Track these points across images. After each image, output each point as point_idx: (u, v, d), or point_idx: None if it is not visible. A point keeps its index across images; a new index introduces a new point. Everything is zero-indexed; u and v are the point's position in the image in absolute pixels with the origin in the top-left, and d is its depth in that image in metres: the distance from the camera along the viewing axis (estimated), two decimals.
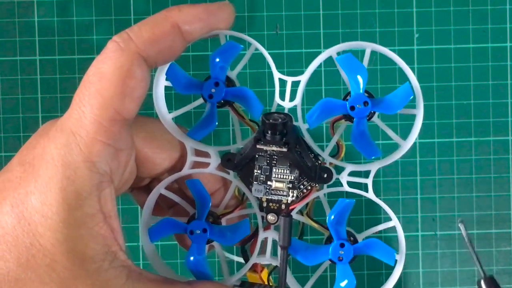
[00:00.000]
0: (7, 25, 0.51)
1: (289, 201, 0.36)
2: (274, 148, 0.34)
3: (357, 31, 0.51)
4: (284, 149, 0.34)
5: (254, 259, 0.36)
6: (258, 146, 0.34)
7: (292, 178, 0.36)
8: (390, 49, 0.33)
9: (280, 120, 0.34)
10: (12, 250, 0.31)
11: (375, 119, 0.35)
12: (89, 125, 0.31)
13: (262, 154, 0.35)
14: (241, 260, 0.37)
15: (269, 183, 0.36)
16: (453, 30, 0.51)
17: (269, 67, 0.35)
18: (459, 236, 0.52)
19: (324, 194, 0.36)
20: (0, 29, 0.51)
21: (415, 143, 0.35)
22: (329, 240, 0.36)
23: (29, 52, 0.51)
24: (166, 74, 0.35)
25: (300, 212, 0.37)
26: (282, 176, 0.36)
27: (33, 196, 0.31)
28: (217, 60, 0.35)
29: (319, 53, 0.34)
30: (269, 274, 0.38)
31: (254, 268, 0.37)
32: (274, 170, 0.36)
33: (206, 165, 0.36)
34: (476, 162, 0.52)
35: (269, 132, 0.34)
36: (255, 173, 0.36)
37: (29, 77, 0.51)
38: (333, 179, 0.35)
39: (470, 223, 0.52)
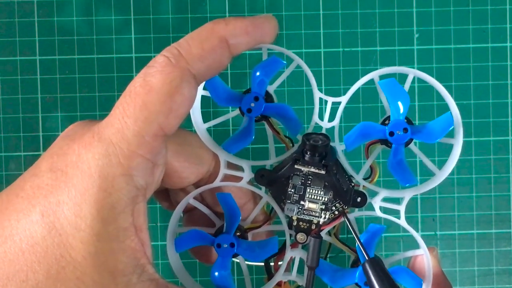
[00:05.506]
0: (7, 25, 0.51)
1: (321, 222, 0.35)
2: (312, 170, 0.34)
3: (357, 31, 0.51)
4: (322, 172, 0.34)
5: (280, 277, 0.36)
6: (296, 166, 0.34)
7: (326, 199, 0.35)
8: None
9: (320, 142, 0.33)
10: (41, 261, 0.30)
11: (411, 145, 0.35)
12: (131, 138, 0.30)
13: (298, 173, 0.35)
14: (261, 264, 0.37)
15: (302, 202, 0.35)
16: (453, 30, 0.51)
17: (307, 83, 0.34)
18: (459, 236, 0.52)
19: (355, 218, 0.36)
20: (0, 29, 0.51)
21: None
22: (356, 263, 0.36)
23: (29, 52, 0.51)
24: (205, 85, 0.35)
25: (328, 232, 0.37)
26: (316, 197, 0.35)
27: (66, 206, 0.30)
28: (258, 74, 0.34)
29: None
30: None
31: (277, 283, 0.36)
32: (308, 190, 0.35)
33: (237, 178, 0.36)
34: (476, 162, 0.52)
35: (309, 153, 0.33)
36: (289, 192, 0.35)
37: (29, 77, 0.51)
38: (367, 204, 0.35)
39: (470, 223, 0.52)
